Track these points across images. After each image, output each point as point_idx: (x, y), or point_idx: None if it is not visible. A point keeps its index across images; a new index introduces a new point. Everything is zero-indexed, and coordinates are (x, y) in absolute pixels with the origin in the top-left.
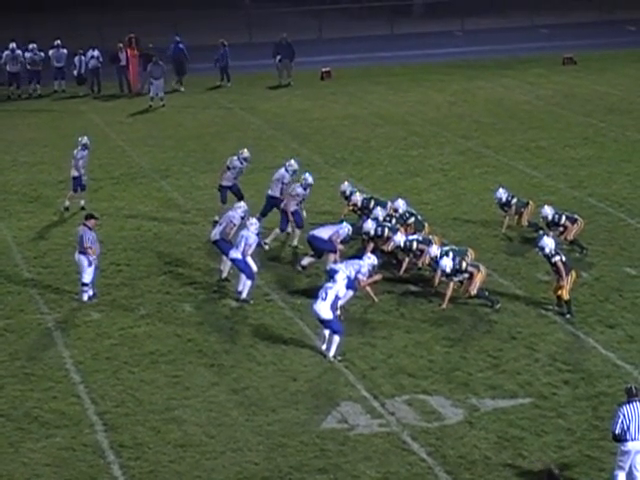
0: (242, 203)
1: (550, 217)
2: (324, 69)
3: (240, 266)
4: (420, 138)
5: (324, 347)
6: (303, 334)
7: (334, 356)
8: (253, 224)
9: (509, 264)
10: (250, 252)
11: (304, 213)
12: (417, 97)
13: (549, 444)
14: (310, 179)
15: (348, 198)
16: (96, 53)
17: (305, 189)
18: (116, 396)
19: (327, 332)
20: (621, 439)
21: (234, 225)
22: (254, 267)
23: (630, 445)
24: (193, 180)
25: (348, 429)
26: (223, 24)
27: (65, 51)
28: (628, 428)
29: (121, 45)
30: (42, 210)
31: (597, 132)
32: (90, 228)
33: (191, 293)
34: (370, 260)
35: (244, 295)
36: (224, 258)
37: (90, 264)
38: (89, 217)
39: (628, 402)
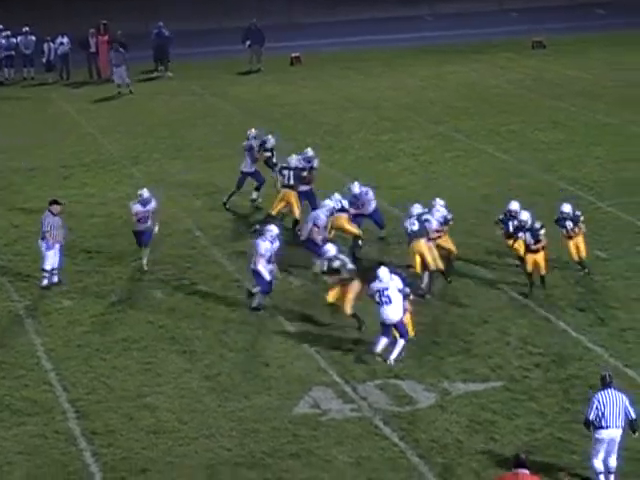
0: (328, 202)
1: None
2: (294, 54)
3: (255, 278)
4: (391, 123)
5: (379, 350)
6: (275, 320)
7: (395, 359)
8: (269, 231)
9: (479, 248)
10: (262, 261)
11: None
12: (388, 82)
13: (520, 427)
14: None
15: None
16: (65, 40)
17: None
18: (88, 383)
19: (384, 339)
20: (595, 426)
21: (318, 228)
22: (267, 276)
23: (604, 433)
24: (164, 166)
25: (320, 414)
26: (195, 9)
27: (34, 38)
28: (603, 415)
29: (92, 31)
30: (12, 198)
31: (567, 116)
32: (54, 214)
33: (162, 280)
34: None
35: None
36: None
37: (48, 249)
38: (53, 202)
39: (603, 389)
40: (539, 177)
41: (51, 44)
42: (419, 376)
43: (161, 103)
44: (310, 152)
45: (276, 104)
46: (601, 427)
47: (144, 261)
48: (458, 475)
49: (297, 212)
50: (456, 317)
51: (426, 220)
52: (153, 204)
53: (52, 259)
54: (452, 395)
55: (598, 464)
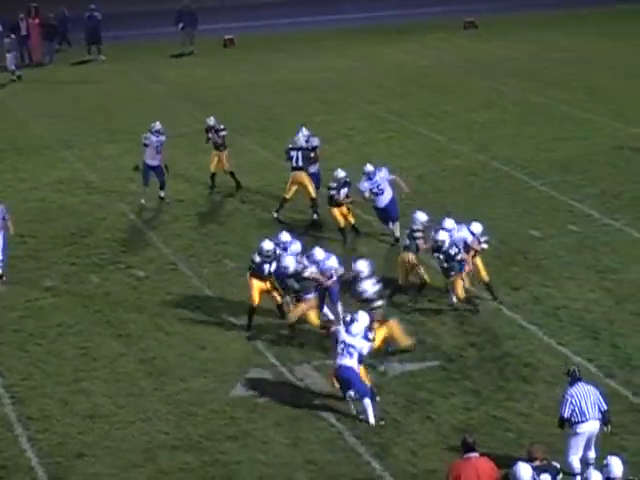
0: (420, 214)
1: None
2: (227, 37)
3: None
4: (324, 104)
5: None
6: (210, 304)
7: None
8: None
9: None
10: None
11: None
12: (320, 63)
13: (456, 406)
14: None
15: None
16: None
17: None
18: (23, 369)
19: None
20: (573, 422)
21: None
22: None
23: (585, 426)
24: (97, 150)
25: (257, 396)
26: None
27: None
28: (580, 409)
29: (22, 15)
30: None
31: (499, 96)
32: None
33: (98, 264)
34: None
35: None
36: None
37: None
38: None
39: (573, 384)
40: (473, 157)
41: None
42: None
43: (94, 87)
44: (305, 132)
45: (209, 87)
46: (581, 421)
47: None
48: (395, 455)
49: (312, 192)
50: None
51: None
52: (163, 137)
53: None
54: (388, 375)
55: (576, 462)
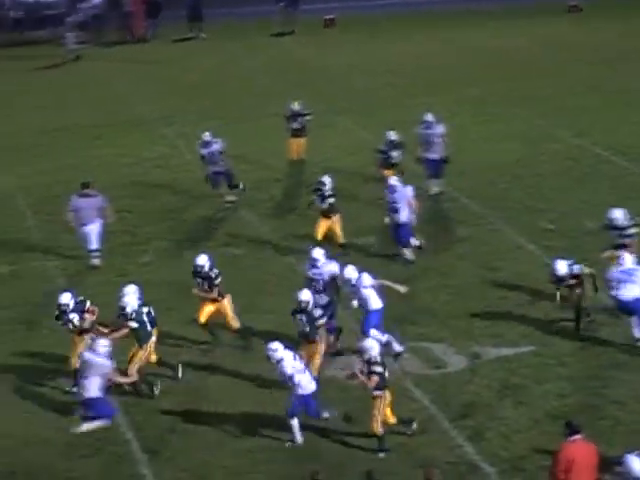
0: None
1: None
2: (328, 17)
3: None
4: (423, 86)
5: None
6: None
7: None
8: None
9: (512, 212)
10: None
11: None
12: (421, 45)
13: (550, 392)
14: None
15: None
16: (97, 0)
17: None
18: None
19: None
20: None
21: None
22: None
23: None
24: (198, 127)
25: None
26: None
27: None
28: None
29: None
30: (44, 158)
31: (602, 80)
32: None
33: (193, 241)
34: None
35: None
36: None
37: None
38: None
39: None
40: (573, 142)
41: (84, 4)
42: (450, 340)
43: (194, 64)
44: (429, 117)
45: (309, 66)
46: None
47: (229, 198)
48: (488, 439)
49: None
50: (487, 281)
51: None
52: (218, 145)
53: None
54: (482, 359)
55: None
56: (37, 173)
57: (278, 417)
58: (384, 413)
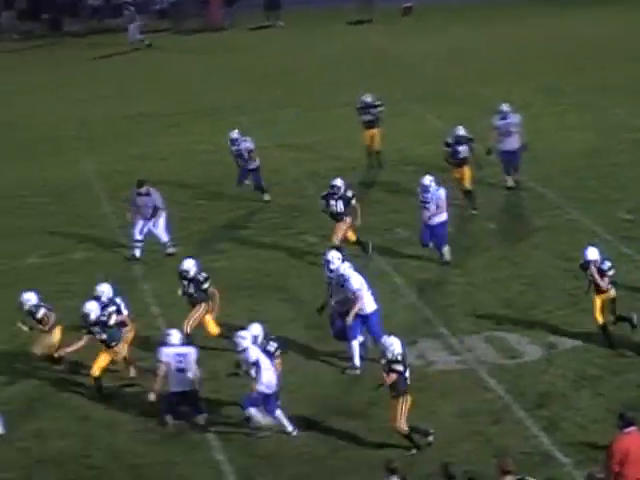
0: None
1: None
2: (406, 4)
3: None
4: (498, 75)
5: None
6: (382, 271)
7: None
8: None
9: (588, 201)
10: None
11: None
12: (500, 32)
13: (627, 383)
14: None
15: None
16: None
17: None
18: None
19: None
20: None
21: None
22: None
23: None
24: (271, 116)
25: (426, 365)
26: None
27: None
28: None
29: None
30: (119, 144)
31: None
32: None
33: (271, 228)
34: None
35: None
36: None
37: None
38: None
39: None
40: None
41: None
42: (525, 329)
43: (271, 52)
44: (505, 108)
45: (383, 55)
46: None
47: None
48: (563, 429)
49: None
50: (563, 271)
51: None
52: (247, 144)
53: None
54: (558, 349)
55: None
56: (114, 160)
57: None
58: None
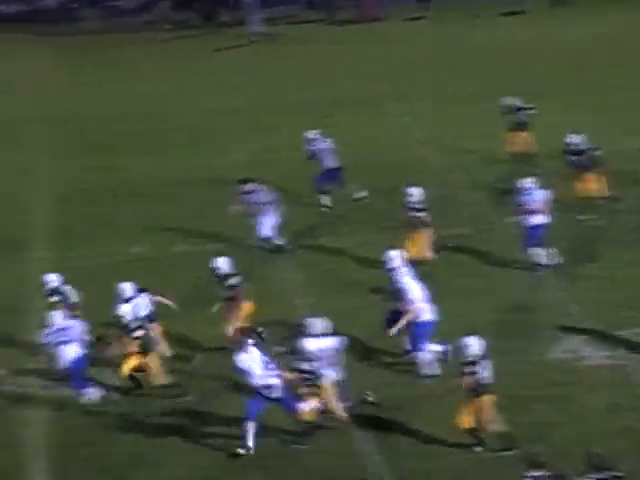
0: None
1: None
2: None
3: None
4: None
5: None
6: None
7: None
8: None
9: None
10: None
11: None
12: None
13: None
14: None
15: None
16: None
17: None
18: None
19: None
20: None
21: None
22: None
23: None
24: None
25: (575, 360)
26: None
27: None
28: None
29: None
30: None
31: None
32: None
33: None
34: None
35: None
36: None
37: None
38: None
39: None
40: None
41: None
42: None
43: (424, 43)
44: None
45: (532, 49)
46: None
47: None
48: None
49: None
50: None
51: None
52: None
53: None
54: None
55: None
56: (266, 149)
57: None
58: (488, 414)
